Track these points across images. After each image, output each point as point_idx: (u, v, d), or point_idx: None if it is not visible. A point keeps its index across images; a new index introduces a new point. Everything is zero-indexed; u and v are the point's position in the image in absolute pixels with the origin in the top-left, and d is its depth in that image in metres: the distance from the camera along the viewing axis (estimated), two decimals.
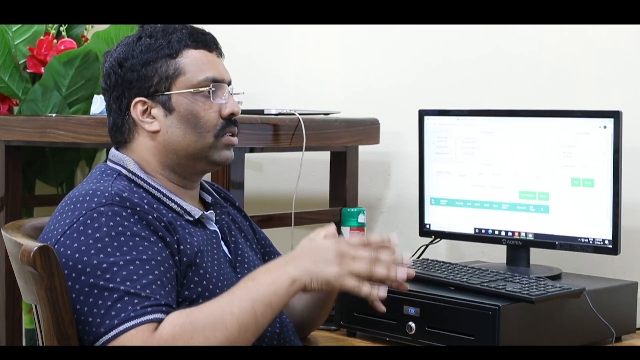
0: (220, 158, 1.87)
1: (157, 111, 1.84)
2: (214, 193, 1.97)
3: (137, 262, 1.66)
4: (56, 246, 1.70)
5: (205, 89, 1.83)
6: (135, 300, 1.62)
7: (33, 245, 1.60)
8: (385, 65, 2.90)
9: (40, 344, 1.71)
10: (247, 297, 1.65)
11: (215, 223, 1.89)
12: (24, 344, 3.26)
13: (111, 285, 1.63)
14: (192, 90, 1.83)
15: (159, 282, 1.66)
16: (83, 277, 1.64)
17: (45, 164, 3.35)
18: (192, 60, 1.84)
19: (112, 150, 1.89)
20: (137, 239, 1.69)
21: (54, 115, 2.79)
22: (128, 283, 1.64)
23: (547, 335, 2.01)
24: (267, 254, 2.08)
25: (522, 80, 2.63)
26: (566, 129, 2.24)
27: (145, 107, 1.84)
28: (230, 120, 1.86)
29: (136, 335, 1.60)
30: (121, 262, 1.65)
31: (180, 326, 1.61)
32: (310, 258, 1.70)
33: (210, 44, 1.87)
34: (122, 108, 1.86)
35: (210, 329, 1.62)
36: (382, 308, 1.75)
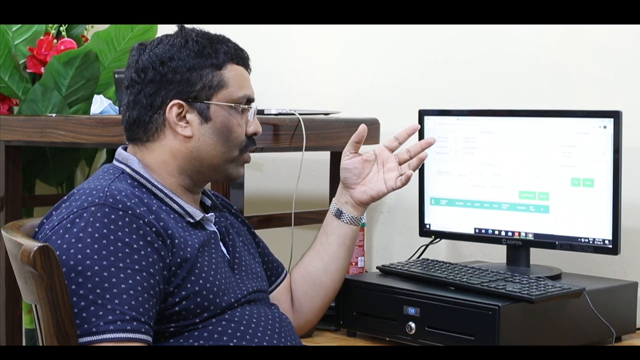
0: (237, 173, 1.92)
1: (192, 117, 1.84)
2: (213, 198, 1.98)
3: (113, 269, 1.65)
4: (44, 241, 1.71)
5: (242, 106, 1.88)
6: (100, 313, 1.63)
7: (33, 245, 1.60)
8: (385, 65, 2.90)
9: (40, 344, 1.71)
10: None
11: (214, 224, 1.90)
12: (24, 344, 3.26)
13: (81, 292, 1.64)
14: (231, 104, 1.87)
15: (131, 292, 1.65)
16: None
17: (45, 164, 3.35)
18: (234, 75, 1.88)
19: (119, 149, 1.89)
20: (119, 244, 1.68)
21: (54, 115, 2.78)
22: (98, 291, 1.64)
23: (547, 335, 2.01)
24: (265, 255, 2.10)
25: (522, 80, 2.63)
26: (566, 129, 2.24)
27: (181, 110, 1.84)
28: (251, 139, 1.92)
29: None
30: (96, 267, 1.65)
31: None
32: None
33: (248, 62, 1.93)
34: (155, 106, 1.84)
35: None
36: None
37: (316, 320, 2.13)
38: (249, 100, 1.91)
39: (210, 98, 1.85)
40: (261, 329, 1.82)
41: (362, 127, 2.11)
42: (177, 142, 1.85)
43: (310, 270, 2.10)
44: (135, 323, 1.64)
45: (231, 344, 1.76)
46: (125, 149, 1.89)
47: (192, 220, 1.83)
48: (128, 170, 1.83)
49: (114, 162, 1.87)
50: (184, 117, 1.84)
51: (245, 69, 1.92)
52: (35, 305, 1.68)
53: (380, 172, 2.10)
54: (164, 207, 1.80)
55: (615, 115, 2.18)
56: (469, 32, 2.69)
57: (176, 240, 1.75)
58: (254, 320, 1.82)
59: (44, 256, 1.60)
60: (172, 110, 1.84)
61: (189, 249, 1.76)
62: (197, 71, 1.84)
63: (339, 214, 2.10)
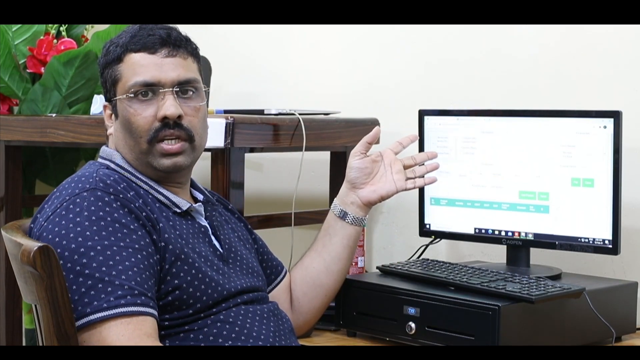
0: (160, 165, 1.85)
1: (113, 116, 1.89)
2: (207, 194, 1.98)
3: (115, 247, 1.68)
4: (40, 231, 1.74)
5: (130, 94, 1.83)
6: (109, 289, 1.64)
7: (33, 245, 1.60)
8: (385, 65, 2.90)
9: (40, 344, 1.71)
10: None
11: (205, 218, 1.91)
12: (24, 344, 3.26)
13: (87, 271, 1.66)
14: (124, 95, 1.84)
15: (135, 269, 1.67)
16: (61, 261, 1.67)
17: (45, 164, 3.35)
18: (129, 65, 1.85)
19: (103, 147, 1.92)
20: (116, 225, 1.71)
21: (54, 115, 2.78)
22: (104, 268, 1.66)
23: (547, 335, 2.01)
24: (263, 254, 2.10)
25: (522, 80, 2.63)
26: (566, 129, 2.24)
27: (110, 112, 1.90)
28: (166, 124, 1.83)
29: (114, 329, 1.62)
30: (98, 247, 1.67)
31: None
32: None
33: (153, 45, 1.84)
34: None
35: None
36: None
37: (314, 320, 2.14)
38: (148, 85, 1.83)
39: (115, 94, 1.86)
40: (256, 329, 1.82)
41: (377, 129, 2.13)
42: (111, 141, 1.91)
43: (311, 271, 2.10)
44: (143, 297, 1.66)
45: (226, 345, 1.77)
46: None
47: (178, 210, 1.84)
48: (113, 165, 1.86)
49: (99, 159, 1.90)
50: (112, 117, 1.90)
51: (150, 52, 1.84)
52: (35, 305, 1.68)
53: (388, 173, 2.11)
54: (150, 196, 1.83)
55: (615, 115, 2.18)
56: (469, 32, 2.69)
57: (161, 224, 1.77)
58: (249, 321, 1.82)
59: (44, 256, 1.60)
60: (105, 112, 1.91)
61: (173, 239, 1.78)
62: (105, 71, 1.88)
63: (343, 215, 2.10)
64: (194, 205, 1.89)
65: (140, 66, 1.83)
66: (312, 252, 2.11)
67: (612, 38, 2.47)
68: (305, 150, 2.45)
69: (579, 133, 2.23)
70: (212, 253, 1.85)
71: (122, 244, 1.69)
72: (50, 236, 1.71)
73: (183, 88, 1.85)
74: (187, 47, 1.88)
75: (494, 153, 2.35)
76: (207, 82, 2.52)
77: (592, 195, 2.22)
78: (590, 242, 2.23)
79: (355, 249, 2.13)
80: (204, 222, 1.90)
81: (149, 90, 1.83)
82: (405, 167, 2.14)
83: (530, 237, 2.31)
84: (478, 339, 1.95)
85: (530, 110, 2.33)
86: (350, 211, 2.10)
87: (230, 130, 2.30)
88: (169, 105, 1.82)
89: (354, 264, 2.43)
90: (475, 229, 2.39)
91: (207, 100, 1.99)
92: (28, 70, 3.10)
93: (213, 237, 1.89)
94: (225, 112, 2.44)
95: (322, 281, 2.09)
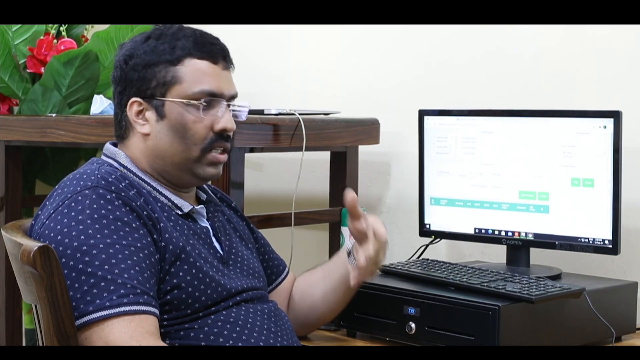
0: (205, 174, 1.85)
1: (150, 114, 1.84)
2: (210, 193, 1.98)
3: (117, 246, 1.68)
4: (42, 229, 1.73)
5: (197, 102, 1.82)
6: (112, 287, 1.64)
7: (33, 245, 1.60)
8: (385, 65, 2.90)
9: (40, 344, 1.71)
10: None
11: (207, 219, 1.91)
12: (24, 344, 3.26)
13: (89, 269, 1.65)
14: (184, 100, 1.82)
15: (137, 268, 1.67)
16: (64, 259, 1.67)
17: (45, 164, 3.35)
18: (191, 70, 1.83)
19: (107, 144, 1.91)
20: (118, 223, 1.71)
21: (54, 115, 2.78)
22: (106, 267, 1.65)
23: (547, 335, 2.01)
24: (265, 253, 2.09)
25: (522, 80, 2.63)
26: (566, 129, 2.24)
27: (141, 108, 1.85)
28: (221, 136, 1.84)
29: (117, 327, 1.62)
30: (101, 245, 1.67)
31: None
32: None
33: (217, 56, 1.85)
34: (122, 103, 1.87)
35: None
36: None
37: (301, 334, 2.11)
38: (213, 95, 1.83)
39: (165, 95, 1.83)
40: (257, 329, 1.81)
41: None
42: (140, 140, 1.86)
43: (312, 292, 2.07)
44: (145, 296, 1.66)
45: (227, 345, 1.77)
46: (116, 145, 1.91)
47: (180, 212, 1.84)
48: (115, 164, 1.85)
49: (102, 157, 1.89)
50: (144, 114, 1.85)
51: (213, 62, 1.85)
52: (35, 305, 1.68)
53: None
54: (152, 196, 1.82)
55: (615, 115, 2.18)
56: (469, 32, 2.69)
57: (162, 224, 1.77)
58: (250, 320, 1.82)
59: (44, 256, 1.60)
60: (132, 108, 1.85)
61: (174, 239, 1.77)
62: (152, 68, 1.83)
63: (349, 253, 2.00)
64: (195, 207, 1.88)
65: (206, 74, 1.83)
66: (321, 272, 2.07)
67: (612, 38, 2.47)
68: (305, 150, 2.45)
69: (579, 133, 2.23)
70: (212, 255, 1.85)
71: (124, 242, 1.69)
72: (52, 234, 1.71)
73: (233, 102, 1.88)
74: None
75: (494, 153, 2.35)
76: None
77: (592, 195, 2.22)
78: (590, 242, 2.23)
79: (354, 291, 2.03)
80: (205, 224, 1.89)
81: (211, 100, 1.83)
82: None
83: (530, 237, 2.31)
84: (478, 339, 1.95)
85: (530, 110, 2.33)
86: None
87: None
88: (230, 120, 1.85)
89: None
90: (475, 229, 2.39)
91: None
92: (28, 70, 3.10)
93: (214, 239, 1.89)
94: None
95: (317, 306, 2.07)
